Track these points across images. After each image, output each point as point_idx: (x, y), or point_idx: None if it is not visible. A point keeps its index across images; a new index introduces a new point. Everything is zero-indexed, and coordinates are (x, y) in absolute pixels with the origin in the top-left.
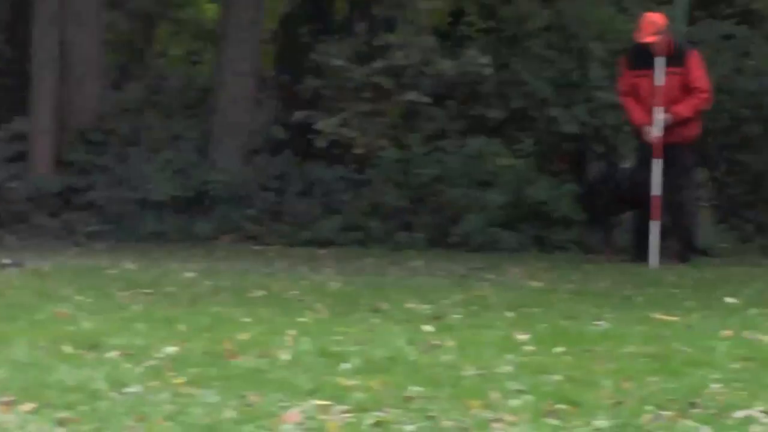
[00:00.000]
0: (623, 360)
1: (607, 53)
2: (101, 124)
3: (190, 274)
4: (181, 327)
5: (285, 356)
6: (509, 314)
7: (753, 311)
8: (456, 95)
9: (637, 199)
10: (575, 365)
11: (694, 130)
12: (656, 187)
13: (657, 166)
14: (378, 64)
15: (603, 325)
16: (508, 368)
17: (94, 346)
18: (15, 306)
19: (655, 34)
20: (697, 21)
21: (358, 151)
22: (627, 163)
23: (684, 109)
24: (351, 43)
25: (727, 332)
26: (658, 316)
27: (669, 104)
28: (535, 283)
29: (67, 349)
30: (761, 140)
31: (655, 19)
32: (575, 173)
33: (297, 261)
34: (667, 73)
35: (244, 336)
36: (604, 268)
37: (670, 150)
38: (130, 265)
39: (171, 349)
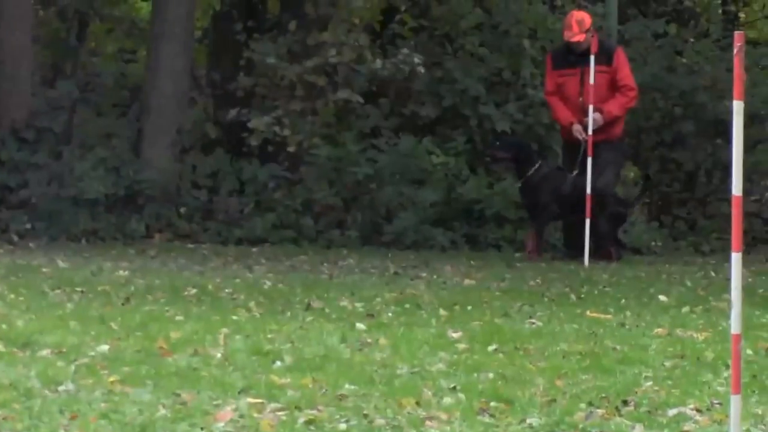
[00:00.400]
0: (556, 358)
1: (538, 51)
2: (34, 121)
3: (123, 273)
4: (114, 325)
5: (218, 354)
6: (442, 312)
7: (685, 309)
8: (389, 93)
9: (579, 204)
10: (508, 363)
11: (620, 128)
12: (588, 185)
13: (589, 165)
14: (311, 62)
15: (536, 323)
16: (441, 366)
17: (27, 344)
18: None
19: (583, 32)
20: (629, 19)
21: (291, 149)
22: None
23: (615, 107)
24: (284, 41)
25: (660, 330)
26: (591, 314)
27: (597, 103)
28: (468, 281)
29: (0, 347)
30: (693, 138)
31: (583, 17)
32: (516, 171)
33: (230, 259)
34: (595, 72)
35: (177, 334)
36: (536, 267)
37: (597, 148)
38: (63, 264)
39: (104, 348)
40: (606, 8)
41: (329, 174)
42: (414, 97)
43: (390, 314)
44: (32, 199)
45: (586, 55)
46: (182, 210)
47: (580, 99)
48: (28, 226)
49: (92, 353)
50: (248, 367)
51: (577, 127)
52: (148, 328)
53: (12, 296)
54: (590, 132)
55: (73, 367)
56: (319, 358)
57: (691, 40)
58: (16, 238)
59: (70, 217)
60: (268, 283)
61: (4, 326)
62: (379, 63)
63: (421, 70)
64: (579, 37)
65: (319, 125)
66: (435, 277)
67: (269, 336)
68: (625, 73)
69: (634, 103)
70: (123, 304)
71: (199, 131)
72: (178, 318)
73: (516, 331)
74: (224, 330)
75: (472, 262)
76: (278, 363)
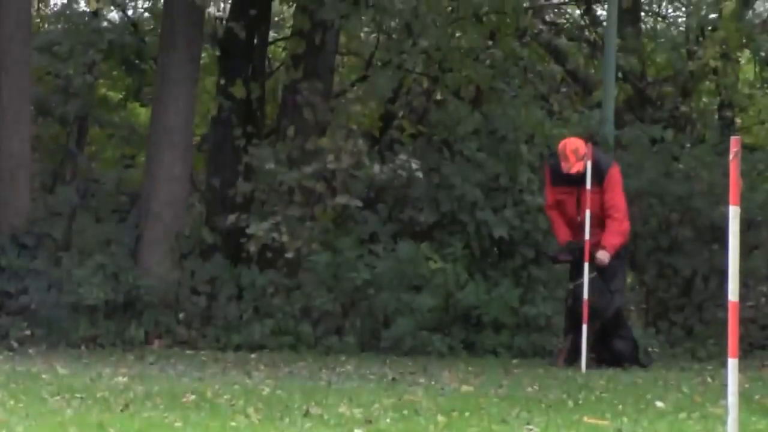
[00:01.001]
0: None
1: (536, 157)
2: (33, 227)
3: (122, 379)
4: (113, 431)
5: None
6: (440, 418)
7: (682, 415)
8: (387, 199)
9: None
10: None
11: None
12: (585, 291)
13: (586, 270)
14: (309, 168)
15: (534, 429)
16: None
17: None
18: None
19: (580, 161)
20: (626, 124)
21: (290, 255)
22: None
23: (613, 238)
24: (282, 146)
25: None
26: (588, 420)
27: (593, 220)
28: (465, 387)
29: None
30: (690, 244)
31: (577, 146)
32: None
33: (228, 365)
34: (587, 192)
35: None
36: (533, 373)
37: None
38: (62, 370)
39: None
40: (603, 114)
41: (328, 280)
42: (412, 202)
43: (388, 420)
44: (32, 306)
45: (582, 175)
46: (181, 316)
47: (578, 218)
48: (28, 332)
49: None
50: None
51: (566, 242)
52: None
53: (11, 402)
54: (603, 258)
55: None
56: None
57: (688, 145)
58: (15, 345)
59: (69, 323)
60: (267, 389)
61: None
62: (377, 168)
63: (419, 175)
64: (577, 167)
65: (317, 231)
66: (433, 383)
67: None
68: (613, 195)
69: (626, 223)
70: (122, 411)
71: (198, 237)
72: (177, 424)
73: None
74: None
75: (469, 368)
76: None
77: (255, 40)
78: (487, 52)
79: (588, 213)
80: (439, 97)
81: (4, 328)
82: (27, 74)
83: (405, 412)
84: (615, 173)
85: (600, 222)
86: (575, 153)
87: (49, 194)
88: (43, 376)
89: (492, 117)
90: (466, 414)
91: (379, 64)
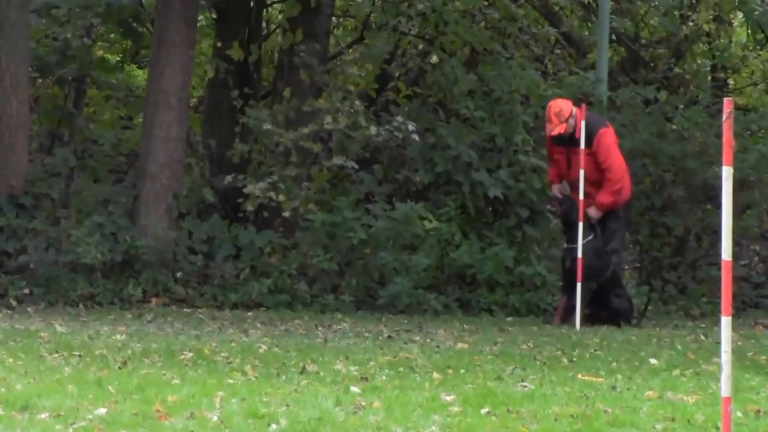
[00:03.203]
0: (548, 421)
1: (531, 117)
2: (31, 188)
3: (120, 337)
4: (112, 389)
5: (214, 417)
6: (436, 376)
7: (676, 372)
8: (382, 160)
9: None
10: (501, 426)
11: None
12: (579, 250)
13: (580, 229)
14: (306, 128)
15: (528, 386)
16: (434, 429)
17: (26, 407)
18: None
19: (562, 122)
20: (620, 86)
21: (286, 214)
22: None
23: (605, 197)
24: (279, 108)
25: (651, 393)
26: (582, 377)
27: (587, 180)
28: (460, 345)
29: None
30: (683, 203)
31: (560, 108)
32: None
33: (226, 323)
34: (576, 153)
35: (173, 398)
36: (528, 330)
37: (602, 218)
38: (61, 328)
39: (101, 411)
40: (597, 75)
41: (324, 239)
42: (407, 163)
43: (384, 377)
44: (30, 265)
45: (572, 138)
46: (178, 275)
47: (569, 178)
48: (27, 291)
49: (90, 416)
50: (244, 430)
51: (555, 187)
52: (145, 392)
53: (10, 360)
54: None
55: (71, 430)
56: (314, 421)
57: (681, 106)
58: (14, 303)
59: (67, 282)
60: (264, 347)
61: (2, 390)
62: (373, 130)
63: (415, 137)
64: (559, 129)
65: (313, 191)
66: (428, 340)
67: (264, 399)
68: (605, 158)
69: (621, 184)
70: (120, 368)
71: (195, 197)
72: (175, 381)
73: (508, 394)
74: (220, 393)
75: (464, 326)
76: (273, 426)
77: (251, 3)
78: (482, 14)
79: (582, 173)
80: (434, 58)
81: (3, 287)
82: (26, 37)
83: (401, 369)
84: (605, 135)
85: (593, 184)
86: (558, 115)
87: (47, 155)
88: (42, 334)
89: (487, 78)
90: (461, 371)
91: (375, 26)
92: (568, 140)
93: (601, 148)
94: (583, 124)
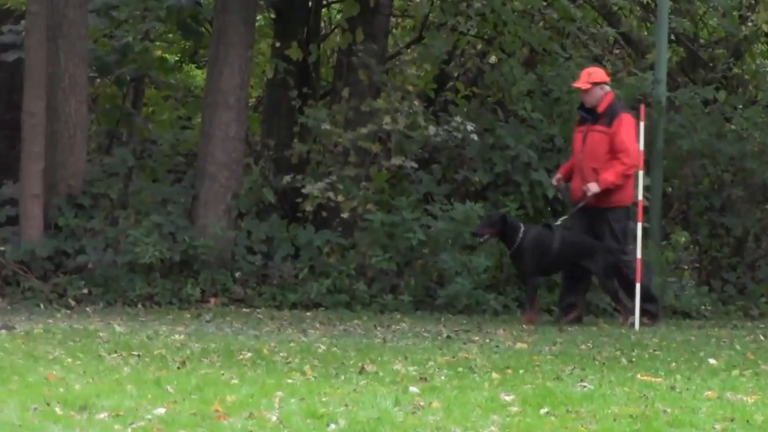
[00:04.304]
0: (607, 421)
1: None
2: (90, 188)
3: (179, 337)
4: (170, 389)
5: (273, 417)
6: (495, 376)
7: (735, 373)
8: (441, 160)
9: (564, 259)
10: (560, 426)
11: (623, 194)
12: (638, 249)
13: (638, 229)
14: (365, 129)
15: (587, 386)
16: (494, 429)
17: (84, 407)
18: (6, 369)
19: (589, 83)
20: (679, 86)
21: (345, 214)
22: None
23: (611, 175)
24: (338, 107)
25: (710, 393)
26: (641, 377)
27: (593, 162)
28: (520, 345)
29: (58, 410)
30: (742, 204)
31: (594, 70)
32: (505, 242)
33: (285, 323)
34: (594, 131)
35: (232, 397)
36: (587, 330)
37: (601, 213)
38: (119, 328)
39: (160, 411)
40: (655, 76)
41: (383, 239)
42: (466, 163)
43: (443, 378)
44: (89, 265)
45: (594, 113)
46: (237, 275)
47: (581, 156)
48: (85, 291)
49: (149, 416)
50: (303, 430)
51: (557, 176)
52: (204, 392)
53: (69, 360)
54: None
55: (129, 430)
56: (373, 421)
57: (740, 106)
58: (73, 303)
59: (126, 282)
60: (323, 347)
61: (61, 390)
62: (432, 130)
63: (474, 137)
64: (581, 84)
65: (372, 191)
66: (487, 340)
67: (323, 399)
68: (623, 139)
69: (633, 171)
70: (179, 368)
71: (254, 197)
72: (234, 381)
73: (567, 395)
74: (279, 393)
75: (523, 326)
76: (332, 426)
77: (310, 3)
78: (541, 14)
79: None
80: (493, 59)
81: (62, 287)
82: (84, 37)
83: (460, 369)
84: (628, 119)
85: (602, 167)
86: (589, 74)
87: (106, 155)
88: (101, 334)
89: (546, 78)
90: (521, 371)
91: (434, 26)
92: (591, 116)
93: (621, 129)
94: (606, 99)
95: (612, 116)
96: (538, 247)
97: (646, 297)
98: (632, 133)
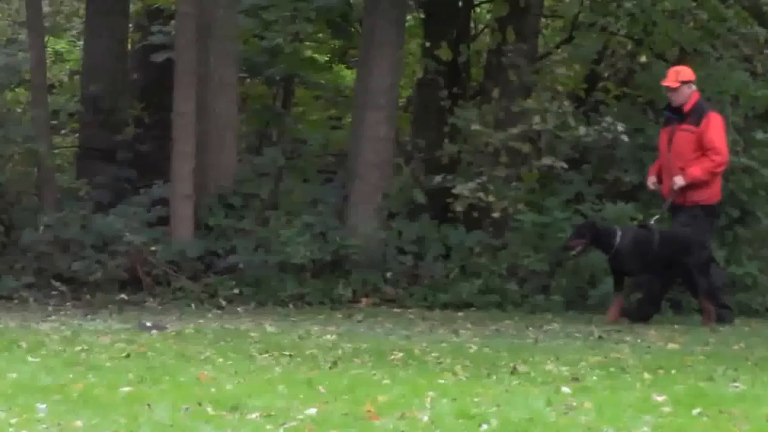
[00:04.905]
0: (760, 421)
1: (741, 119)
2: (240, 188)
3: (330, 337)
4: (322, 389)
5: (425, 418)
6: (647, 376)
7: None
8: (592, 160)
9: (662, 259)
10: (712, 427)
11: (708, 193)
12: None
13: None
14: (515, 129)
15: (740, 386)
16: (645, 429)
17: (236, 407)
18: (157, 369)
19: (677, 81)
20: None
21: (496, 215)
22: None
23: (697, 170)
24: (488, 108)
25: None
26: None
27: (679, 161)
28: (671, 345)
29: (209, 410)
30: None
31: (682, 69)
32: (602, 248)
33: (436, 323)
34: (681, 130)
35: (384, 398)
36: (739, 331)
37: (681, 210)
38: (270, 328)
39: (312, 411)
40: None
41: (534, 239)
42: (617, 163)
43: (595, 378)
44: (240, 265)
45: (680, 113)
46: (388, 275)
47: (668, 156)
48: (236, 291)
49: (300, 416)
50: (454, 430)
51: (651, 179)
52: (355, 392)
53: (220, 360)
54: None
55: (281, 430)
56: (525, 421)
57: None
58: (224, 303)
59: (277, 282)
60: (474, 347)
61: (213, 390)
62: (582, 130)
63: (624, 137)
64: (670, 82)
65: (523, 191)
66: (639, 341)
67: (475, 399)
68: (712, 137)
69: (720, 168)
70: (330, 368)
71: (405, 197)
72: (385, 382)
73: (720, 395)
74: (430, 393)
75: (675, 326)
76: (484, 426)
77: (459, 3)
78: (691, 14)
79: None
80: (643, 59)
81: (213, 287)
82: (234, 38)
83: (611, 369)
84: (717, 117)
85: (690, 165)
86: (677, 73)
87: (256, 155)
88: (252, 334)
89: (696, 79)
90: (672, 371)
91: (584, 26)
92: (675, 118)
93: (710, 127)
94: (693, 97)
95: (700, 115)
96: (638, 247)
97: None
98: (721, 132)
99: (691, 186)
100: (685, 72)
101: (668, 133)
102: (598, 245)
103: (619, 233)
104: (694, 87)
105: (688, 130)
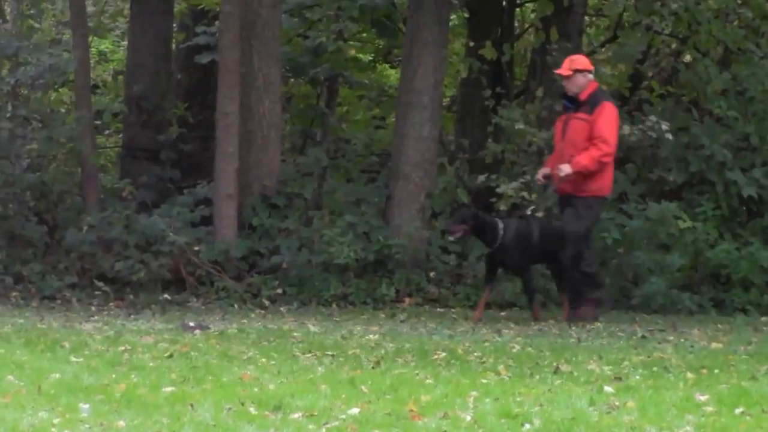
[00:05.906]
0: None
1: None
2: (284, 188)
3: (373, 336)
4: (365, 388)
5: (467, 417)
6: (690, 375)
7: None
8: (636, 159)
9: (542, 252)
10: (756, 426)
11: (599, 183)
12: None
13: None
14: None
15: None
16: (689, 429)
17: (279, 407)
18: (200, 368)
19: (570, 69)
20: None
21: (539, 214)
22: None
23: (585, 159)
24: (532, 107)
25: None
26: None
27: (571, 149)
28: (715, 345)
29: (252, 410)
30: None
31: (577, 57)
32: (478, 236)
33: (479, 323)
34: (575, 118)
35: (427, 397)
36: None
37: (571, 200)
38: (313, 328)
39: (354, 411)
40: None
41: None
42: (661, 162)
43: (637, 377)
44: (283, 265)
45: (577, 101)
46: (432, 274)
47: (561, 145)
48: (279, 291)
49: (343, 416)
50: (497, 429)
51: (543, 170)
52: (398, 392)
53: (263, 360)
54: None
55: (324, 430)
56: (568, 421)
57: None
58: (267, 303)
59: (320, 282)
60: (517, 346)
61: (256, 389)
62: (626, 129)
63: (668, 136)
64: (562, 71)
65: None
66: (682, 340)
67: (518, 399)
68: (602, 126)
69: (609, 159)
70: (373, 368)
71: (449, 197)
72: (428, 381)
73: (763, 394)
74: (473, 393)
75: (719, 325)
76: (527, 426)
77: (503, 2)
78: (735, 13)
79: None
80: (687, 58)
81: (256, 287)
82: (277, 37)
83: (654, 369)
84: (610, 107)
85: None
86: (571, 61)
87: (300, 155)
88: (295, 333)
89: (741, 77)
90: (716, 371)
91: (628, 25)
92: (574, 104)
93: (602, 117)
94: (588, 88)
95: (594, 104)
96: (520, 241)
97: (596, 284)
98: (612, 122)
99: (585, 176)
100: (579, 60)
101: (563, 121)
102: (480, 236)
103: (501, 226)
104: (590, 76)
105: (581, 119)
